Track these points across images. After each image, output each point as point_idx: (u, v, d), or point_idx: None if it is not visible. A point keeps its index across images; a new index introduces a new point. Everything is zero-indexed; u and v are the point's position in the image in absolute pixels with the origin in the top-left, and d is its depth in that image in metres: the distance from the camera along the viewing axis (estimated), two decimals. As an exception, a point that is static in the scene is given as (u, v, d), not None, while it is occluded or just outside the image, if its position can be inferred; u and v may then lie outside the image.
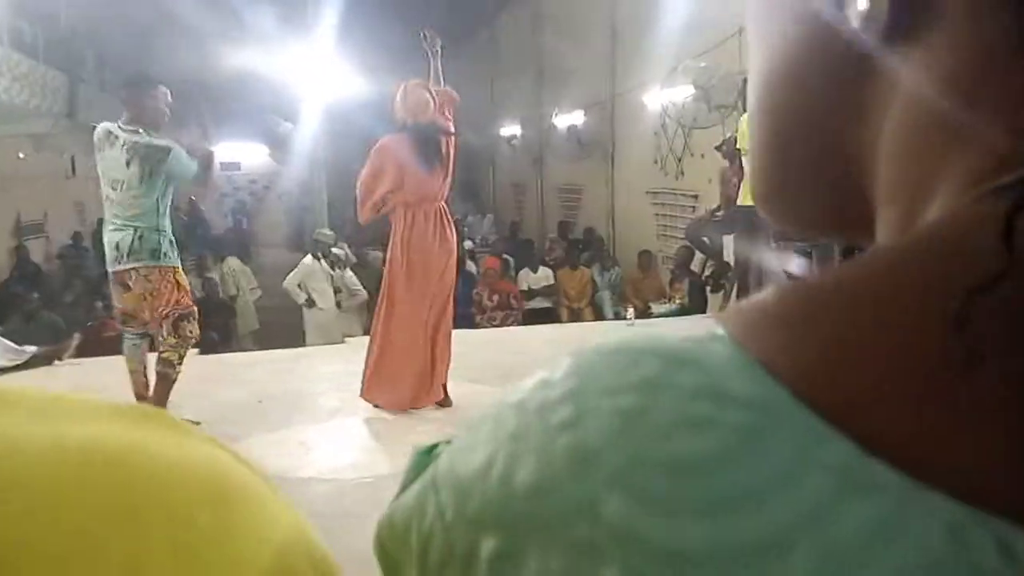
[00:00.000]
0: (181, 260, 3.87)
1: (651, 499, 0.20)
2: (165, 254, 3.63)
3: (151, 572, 0.18)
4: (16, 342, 5.73)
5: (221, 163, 17.31)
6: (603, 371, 0.24)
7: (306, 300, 7.75)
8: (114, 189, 3.63)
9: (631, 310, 6.55)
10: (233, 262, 9.80)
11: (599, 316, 8.46)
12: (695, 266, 7.72)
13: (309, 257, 7.95)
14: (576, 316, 8.47)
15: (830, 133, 0.27)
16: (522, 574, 0.22)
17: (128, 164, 3.59)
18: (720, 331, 0.24)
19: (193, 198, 15.03)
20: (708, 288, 7.49)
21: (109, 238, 3.66)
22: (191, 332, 3.75)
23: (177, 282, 3.70)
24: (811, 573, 0.19)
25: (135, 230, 3.60)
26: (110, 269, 3.70)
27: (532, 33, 13.02)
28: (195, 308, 3.83)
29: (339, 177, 13.71)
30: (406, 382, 3.95)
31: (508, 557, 0.22)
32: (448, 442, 0.28)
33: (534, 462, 0.22)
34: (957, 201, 0.23)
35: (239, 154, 15.74)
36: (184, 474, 0.21)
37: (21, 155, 10.70)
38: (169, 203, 3.71)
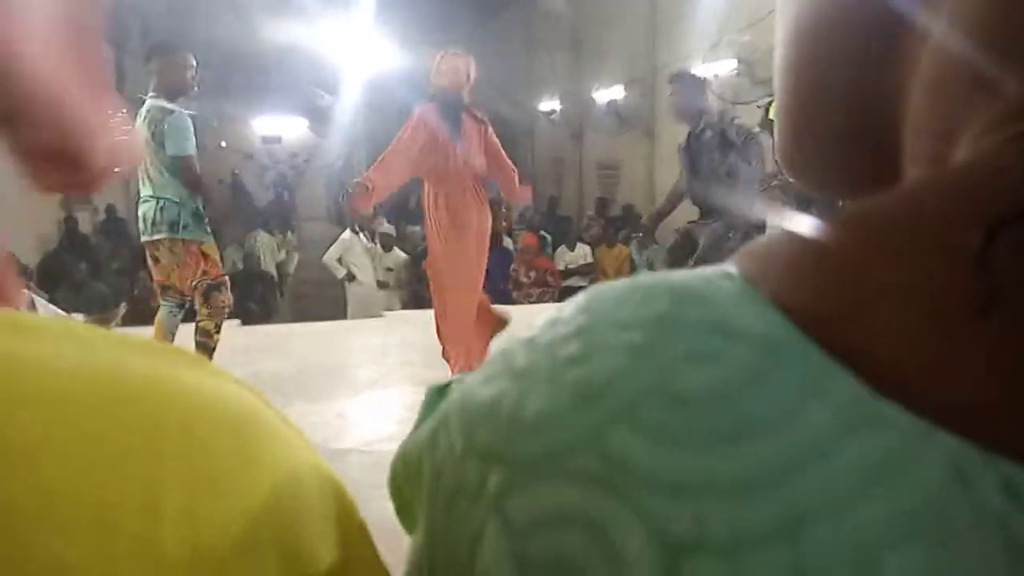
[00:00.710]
0: (222, 232, 3.87)
1: (655, 432, 0.20)
2: (185, 226, 3.63)
3: (167, 493, 0.19)
4: (64, 311, 5.87)
5: (262, 136, 17.47)
6: (613, 307, 0.24)
7: (346, 274, 7.83)
8: (142, 159, 3.65)
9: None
10: (263, 237, 9.92)
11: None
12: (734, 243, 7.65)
13: (348, 232, 8.02)
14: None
15: (857, 88, 0.27)
16: (525, 504, 0.22)
17: (145, 130, 3.63)
18: (732, 269, 0.24)
19: (236, 171, 15.24)
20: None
21: (140, 210, 3.73)
22: (222, 302, 3.77)
23: (203, 253, 3.71)
24: (812, 505, 0.19)
25: (157, 202, 3.63)
26: (143, 240, 3.76)
27: (571, 6, 12.88)
28: (225, 278, 3.84)
29: (378, 150, 13.78)
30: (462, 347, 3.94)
31: (515, 487, 0.22)
32: (460, 380, 0.28)
33: (542, 395, 0.23)
34: (980, 144, 0.23)
35: (280, 127, 15.84)
36: (205, 404, 0.21)
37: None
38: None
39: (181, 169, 3.62)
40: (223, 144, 15.66)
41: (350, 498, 0.25)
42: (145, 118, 3.63)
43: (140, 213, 3.72)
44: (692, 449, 0.20)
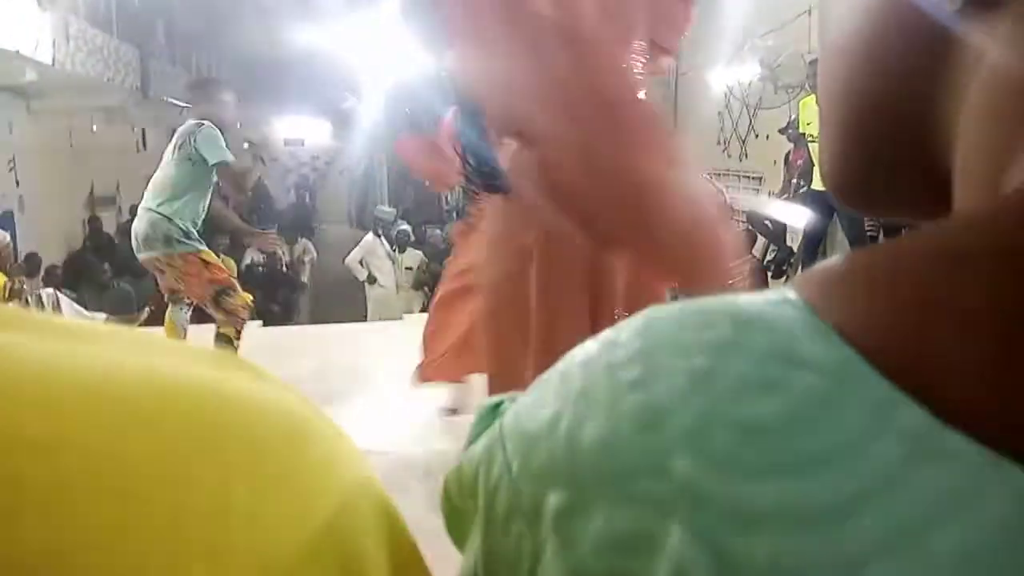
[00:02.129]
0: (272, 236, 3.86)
1: (719, 458, 0.20)
2: (179, 240, 3.63)
3: (234, 499, 0.19)
4: (89, 310, 5.95)
5: (285, 139, 17.59)
6: (673, 331, 0.24)
7: (367, 276, 7.86)
8: (159, 170, 3.74)
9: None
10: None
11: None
12: (757, 251, 7.59)
13: (371, 234, 8.06)
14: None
15: (908, 110, 0.27)
16: (586, 527, 0.22)
17: (171, 149, 3.71)
18: (792, 294, 0.24)
19: (259, 175, 15.35)
20: (769, 274, 7.37)
21: (133, 226, 3.76)
22: (233, 305, 3.76)
23: (203, 261, 3.71)
24: (878, 539, 0.19)
25: (149, 218, 3.65)
26: (140, 257, 3.77)
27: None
28: (233, 281, 3.85)
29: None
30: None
31: (574, 511, 0.22)
32: (513, 399, 0.28)
33: (602, 419, 0.23)
34: None
35: (303, 130, 15.96)
36: (263, 411, 0.22)
37: (94, 127, 11.02)
38: (199, 191, 3.71)
39: (226, 179, 3.73)
40: (246, 146, 15.83)
41: (399, 514, 0.25)
42: (176, 148, 3.71)
43: (133, 229, 3.75)
44: (759, 478, 0.20)
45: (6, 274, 5.29)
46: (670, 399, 0.22)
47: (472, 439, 0.29)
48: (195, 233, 3.73)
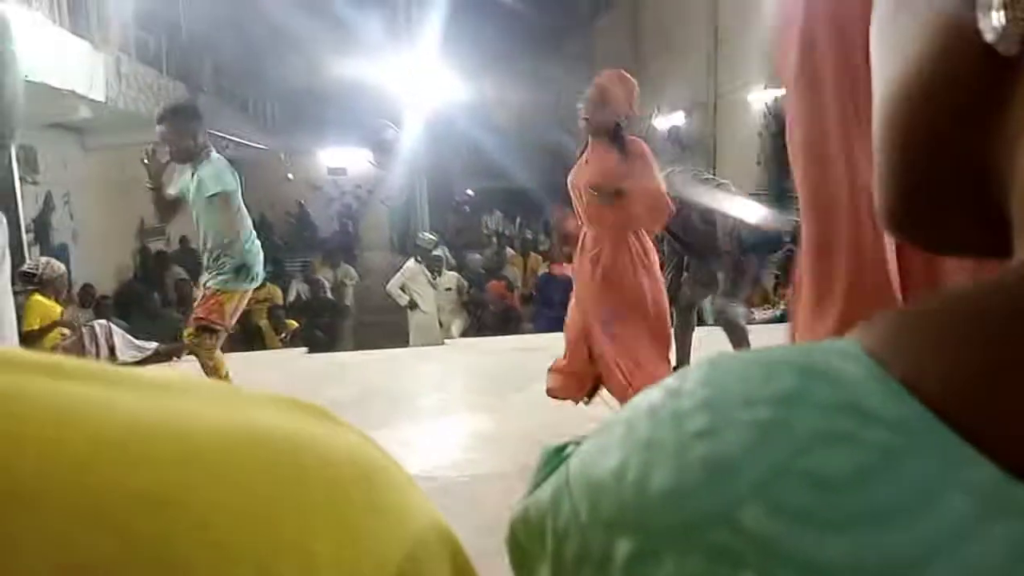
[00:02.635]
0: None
1: (791, 510, 0.21)
2: (225, 280, 3.69)
3: (318, 544, 0.20)
4: (140, 339, 6.08)
5: (328, 168, 17.72)
6: (738, 382, 0.24)
7: (409, 302, 7.92)
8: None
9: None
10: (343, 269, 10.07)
11: (701, 321, 8.32)
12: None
13: (412, 261, 8.12)
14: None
15: (963, 147, 0.27)
16: (657, 575, 0.22)
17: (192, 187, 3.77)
18: (854, 344, 0.24)
19: (302, 202, 15.58)
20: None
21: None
22: (205, 342, 3.73)
23: (217, 300, 3.72)
24: None
25: (209, 252, 3.74)
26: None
27: (631, 34, 12.91)
28: (222, 330, 3.78)
29: (439, 181, 13.94)
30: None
31: (643, 559, 0.23)
32: (577, 443, 0.29)
33: (669, 469, 0.23)
34: None
35: (345, 159, 16.19)
36: (339, 456, 0.23)
37: (146, 162, 11.29)
38: (240, 225, 3.75)
39: (220, 207, 3.70)
40: (290, 176, 16.08)
41: (466, 556, 0.26)
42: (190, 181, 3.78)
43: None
44: (830, 530, 0.20)
45: (61, 304, 5.44)
46: (739, 450, 0.22)
47: (538, 482, 0.29)
48: (238, 273, 3.75)
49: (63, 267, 5.62)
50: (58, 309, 5.39)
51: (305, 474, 0.21)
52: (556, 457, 0.29)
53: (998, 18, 0.23)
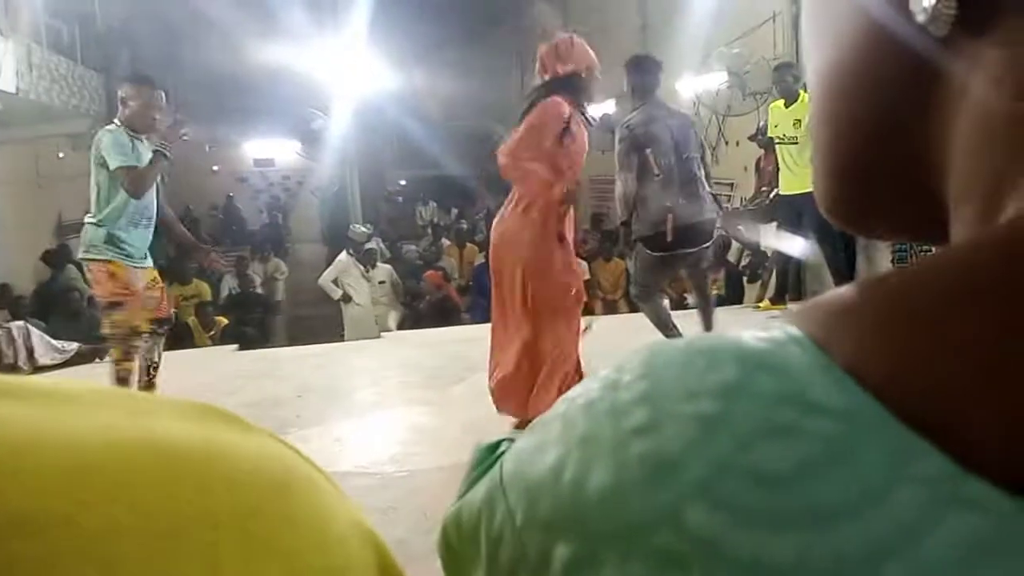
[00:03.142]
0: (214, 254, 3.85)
1: (735, 509, 0.20)
2: (93, 246, 3.68)
3: (224, 560, 0.19)
4: (59, 339, 5.85)
5: (255, 159, 17.49)
6: (678, 373, 0.23)
7: (342, 296, 7.82)
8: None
9: (666, 301, 6.49)
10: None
11: (633, 308, 8.44)
12: (731, 256, 7.64)
13: (344, 254, 8.02)
14: (611, 308, 8.44)
15: (896, 135, 0.26)
16: None
17: (94, 152, 3.73)
18: (796, 331, 0.23)
19: (231, 195, 15.23)
20: (745, 278, 7.42)
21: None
22: (119, 322, 3.72)
23: (109, 272, 3.71)
24: None
25: (84, 225, 3.73)
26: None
27: (560, 22, 12.95)
28: (125, 301, 3.76)
29: (370, 171, 13.80)
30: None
31: (583, 564, 0.22)
32: (511, 440, 0.28)
33: (608, 467, 0.22)
34: None
35: (272, 150, 15.90)
36: (247, 464, 0.21)
37: (61, 155, 10.90)
38: (114, 197, 3.70)
39: (127, 180, 3.65)
40: (216, 168, 15.70)
41: (392, 556, 0.24)
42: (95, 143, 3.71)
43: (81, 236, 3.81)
44: (777, 529, 0.19)
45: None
46: (680, 447, 0.21)
47: (471, 482, 0.28)
48: (117, 241, 3.70)
49: None
50: None
51: (211, 487, 0.20)
52: (489, 455, 0.28)
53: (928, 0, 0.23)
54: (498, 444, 0.29)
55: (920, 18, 0.24)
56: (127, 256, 3.73)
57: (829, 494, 0.19)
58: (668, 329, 4.22)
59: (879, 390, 0.20)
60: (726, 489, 0.20)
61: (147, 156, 3.71)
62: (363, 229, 8.50)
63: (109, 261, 3.68)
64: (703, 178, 4.15)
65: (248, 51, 11.45)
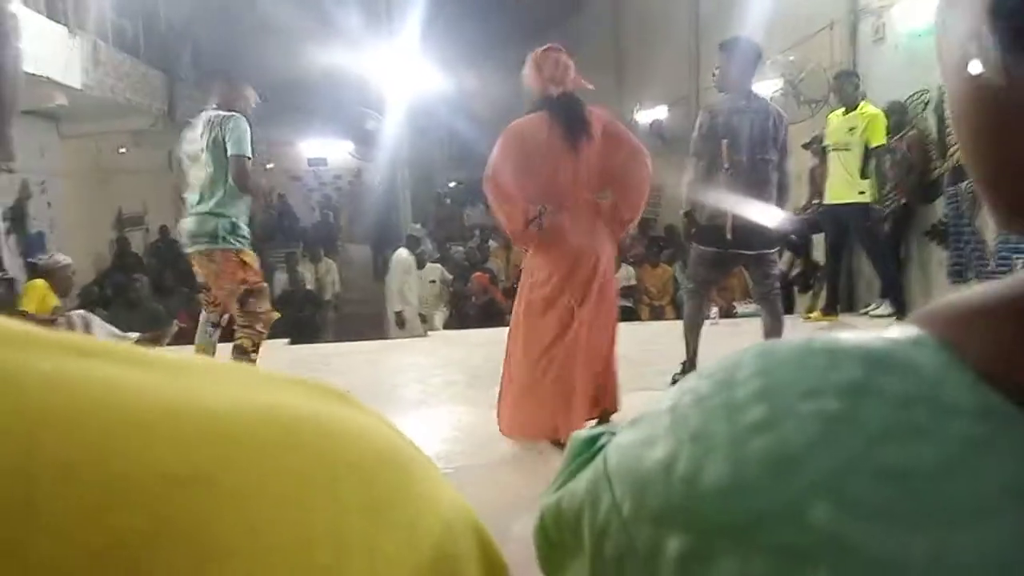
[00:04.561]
0: (267, 255, 3.91)
1: (864, 507, 0.20)
2: (224, 237, 3.67)
3: (350, 529, 0.20)
4: (119, 328, 6.01)
5: (308, 159, 17.60)
6: (795, 372, 0.23)
7: (396, 317, 7.88)
8: (191, 166, 3.75)
9: (715, 309, 6.42)
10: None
11: (680, 315, 8.36)
12: (782, 265, 7.54)
13: (404, 250, 8.09)
14: (657, 314, 8.38)
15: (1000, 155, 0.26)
16: (714, 574, 0.21)
17: (201, 136, 3.70)
18: (920, 332, 0.23)
19: (282, 193, 15.47)
20: (796, 288, 7.31)
21: (181, 225, 3.83)
22: (260, 308, 3.77)
23: (242, 261, 3.73)
24: None
25: (196, 217, 3.71)
26: (186, 252, 3.85)
27: (613, 28, 12.91)
28: (265, 286, 3.85)
29: (421, 172, 13.88)
30: (522, 409, 3.24)
31: (699, 558, 0.22)
32: (611, 433, 0.27)
33: (725, 462, 0.22)
34: None
35: (326, 150, 16.09)
36: (367, 442, 0.22)
37: (122, 150, 11.20)
38: (219, 187, 3.70)
39: (234, 169, 3.63)
40: (270, 166, 15.97)
41: (491, 537, 0.25)
42: (205, 128, 3.70)
43: (180, 227, 3.82)
44: (913, 527, 0.19)
45: (58, 296, 5.37)
46: (803, 444, 0.21)
47: (569, 473, 0.28)
48: (243, 230, 3.75)
49: (67, 260, 5.55)
50: (54, 300, 5.33)
51: (335, 457, 0.21)
52: (588, 448, 0.28)
53: (974, 66, 0.23)
54: (597, 437, 0.28)
55: (984, 77, 0.24)
56: (250, 245, 3.80)
57: (965, 494, 0.19)
58: (694, 335, 4.06)
59: (1016, 392, 0.20)
60: (855, 486, 0.20)
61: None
62: (420, 228, 8.61)
63: (240, 250, 3.73)
64: (777, 182, 3.90)
65: (304, 53, 11.63)
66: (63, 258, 5.51)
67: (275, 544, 0.19)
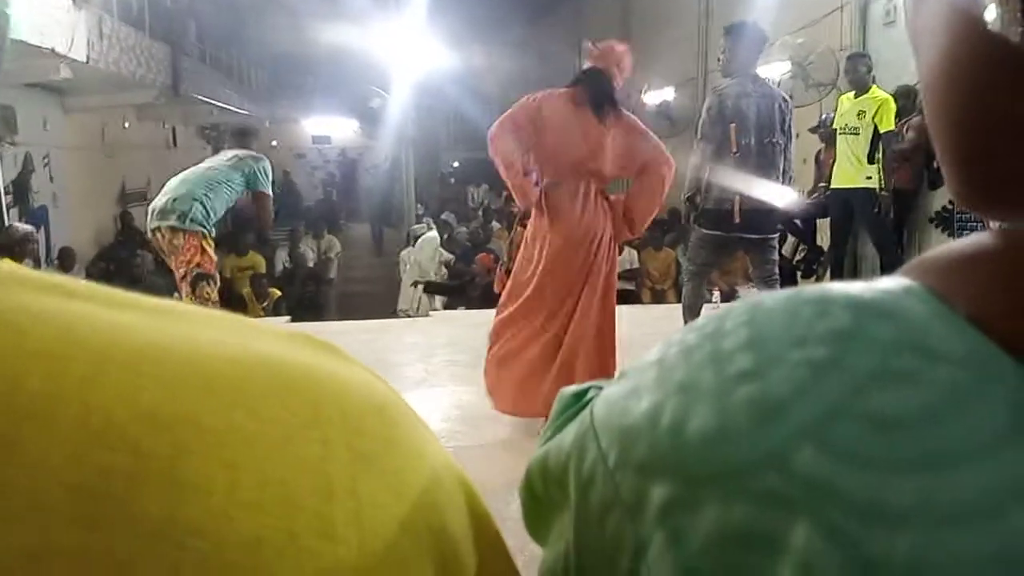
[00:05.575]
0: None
1: (849, 452, 0.20)
2: (196, 220, 3.90)
3: (334, 472, 0.20)
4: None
5: (312, 136, 17.66)
6: (784, 321, 0.23)
7: (427, 284, 7.97)
8: (208, 164, 4.12)
9: (717, 293, 6.42)
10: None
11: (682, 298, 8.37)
12: (786, 250, 7.52)
13: (433, 231, 8.19)
14: (659, 297, 8.38)
15: (1006, 123, 0.26)
16: (697, 522, 0.21)
17: (228, 158, 4.13)
18: (910, 282, 0.23)
19: (287, 171, 15.48)
20: (799, 273, 7.30)
21: (152, 203, 4.07)
22: (208, 294, 3.96)
23: (201, 247, 3.95)
24: None
25: (173, 194, 3.95)
26: (149, 227, 4.07)
27: (621, 7, 12.82)
28: (215, 273, 4.08)
29: (425, 151, 13.85)
30: (508, 385, 3.23)
31: (682, 505, 0.22)
32: (599, 387, 0.27)
33: (711, 411, 0.22)
34: None
35: (330, 128, 16.07)
36: (354, 390, 0.22)
37: (127, 124, 11.16)
38: (229, 194, 4.08)
39: (262, 205, 4.19)
40: (274, 143, 15.96)
41: (475, 489, 0.25)
42: (233, 156, 4.13)
43: (153, 203, 4.04)
44: (895, 472, 0.19)
45: (35, 268, 5.36)
46: (789, 391, 0.21)
47: (556, 427, 0.28)
48: (213, 220, 4.00)
49: (27, 228, 5.53)
50: None
51: (321, 403, 0.21)
52: (576, 402, 0.28)
53: (995, 13, 0.23)
54: (585, 391, 0.28)
55: (996, 28, 0.24)
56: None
57: (953, 439, 0.19)
58: (692, 315, 4.07)
59: (1005, 339, 0.20)
60: (839, 433, 0.20)
61: None
62: (451, 216, 8.68)
63: (205, 235, 3.97)
64: (783, 166, 3.92)
65: (309, 29, 11.57)
66: (22, 227, 5.50)
67: (257, 483, 0.18)
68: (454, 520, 0.23)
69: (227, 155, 4.18)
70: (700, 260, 4.14)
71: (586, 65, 3.28)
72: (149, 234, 4.10)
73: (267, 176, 4.15)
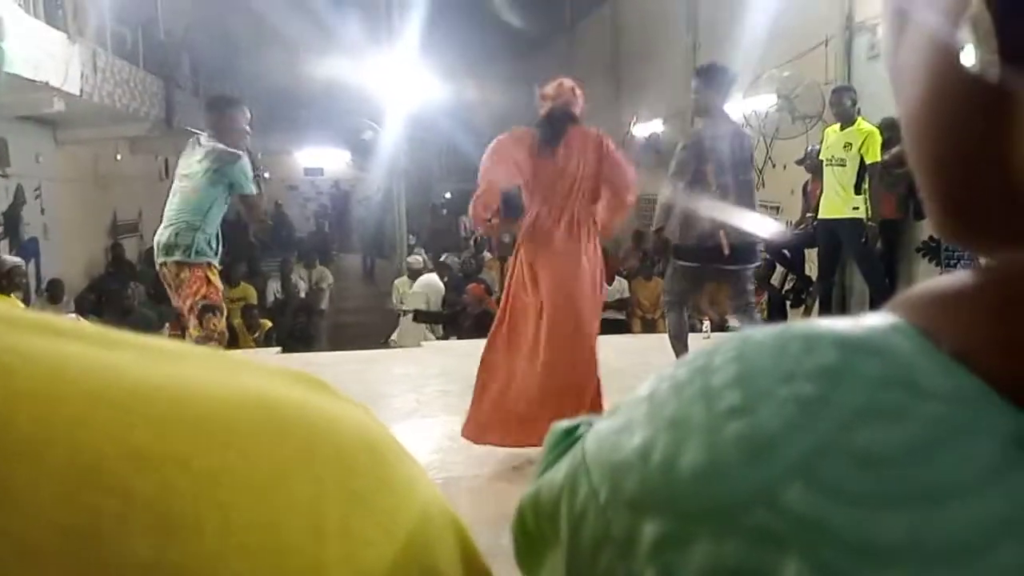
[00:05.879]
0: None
1: (838, 489, 0.20)
2: (198, 251, 3.84)
3: (327, 512, 0.20)
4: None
5: (305, 168, 17.65)
6: (773, 357, 0.23)
7: (402, 309, 7.98)
8: (180, 183, 3.96)
9: (707, 323, 6.44)
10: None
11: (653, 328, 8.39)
12: (775, 280, 7.56)
13: (433, 275, 8.24)
14: (649, 327, 8.39)
15: (983, 163, 0.26)
16: (689, 558, 0.21)
17: (200, 161, 3.89)
18: (895, 319, 0.23)
19: (279, 202, 15.50)
20: (788, 303, 7.33)
21: (157, 237, 3.97)
22: (215, 325, 3.89)
23: (207, 278, 3.90)
24: (1020, 572, 0.18)
25: (175, 227, 3.87)
26: (157, 263, 3.99)
27: (611, 41, 12.97)
28: (222, 304, 4.00)
29: (418, 183, 13.90)
30: (496, 417, 3.25)
31: (674, 542, 0.22)
32: (590, 423, 0.27)
33: (701, 447, 0.22)
34: None
35: (322, 160, 16.13)
36: (346, 429, 0.22)
37: (119, 156, 11.19)
38: (220, 210, 3.96)
39: (247, 207, 4.04)
40: (267, 175, 15.97)
41: (467, 530, 0.25)
42: (204, 157, 3.90)
43: (156, 239, 3.96)
44: (884, 509, 0.19)
45: (24, 300, 5.33)
46: (777, 427, 0.21)
47: (548, 463, 0.28)
48: (214, 248, 3.94)
49: (16, 260, 5.50)
50: (16, 304, 5.28)
51: (313, 442, 0.21)
52: (566, 438, 0.28)
53: (973, 52, 0.23)
54: (575, 427, 0.28)
55: (974, 69, 0.24)
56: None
57: (941, 475, 0.19)
58: (681, 344, 4.19)
59: (991, 375, 0.20)
60: (828, 469, 0.20)
61: None
62: (452, 257, 8.78)
63: (209, 264, 3.91)
64: (755, 199, 4.16)
65: (302, 62, 11.67)
66: (10, 259, 5.46)
67: (247, 524, 0.19)
68: (444, 559, 0.23)
69: (202, 162, 3.91)
70: (678, 289, 4.29)
71: (546, 107, 3.41)
72: (157, 267, 4.02)
73: (247, 176, 3.98)
